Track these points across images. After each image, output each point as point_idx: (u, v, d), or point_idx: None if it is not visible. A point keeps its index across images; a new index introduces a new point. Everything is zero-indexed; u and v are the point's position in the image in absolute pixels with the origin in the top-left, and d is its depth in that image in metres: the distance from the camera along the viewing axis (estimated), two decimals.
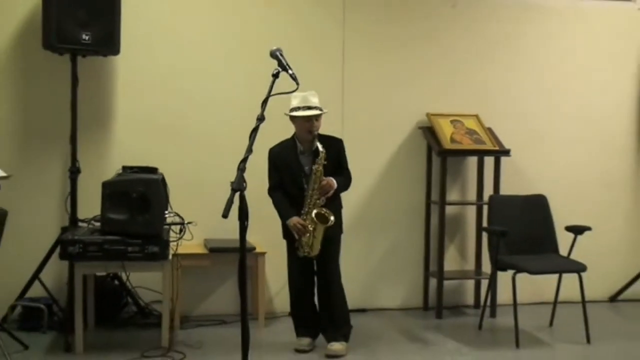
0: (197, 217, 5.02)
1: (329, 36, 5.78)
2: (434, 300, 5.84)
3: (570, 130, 6.27)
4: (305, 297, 4.82)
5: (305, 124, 4.62)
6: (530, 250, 5.30)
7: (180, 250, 4.97)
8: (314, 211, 4.56)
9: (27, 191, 5.22)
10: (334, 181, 4.62)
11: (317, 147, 4.61)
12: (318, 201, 4.58)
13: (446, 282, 5.78)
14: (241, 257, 3.19)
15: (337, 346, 4.70)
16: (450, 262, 5.99)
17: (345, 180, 4.76)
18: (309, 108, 4.60)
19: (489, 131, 5.88)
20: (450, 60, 6.02)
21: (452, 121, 5.85)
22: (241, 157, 3.15)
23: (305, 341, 4.81)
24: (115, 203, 4.54)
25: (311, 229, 4.56)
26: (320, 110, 4.64)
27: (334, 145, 4.73)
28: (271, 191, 4.76)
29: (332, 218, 4.55)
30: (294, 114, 4.62)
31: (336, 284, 4.75)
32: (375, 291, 5.93)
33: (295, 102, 4.61)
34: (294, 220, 4.60)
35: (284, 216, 4.69)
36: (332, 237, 4.71)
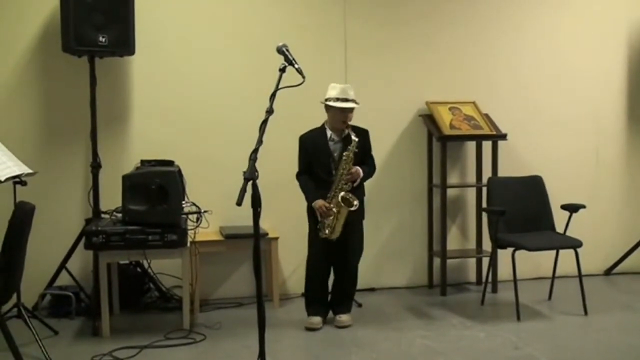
0: (213, 206, 4.99)
1: (332, 31, 5.70)
2: (438, 278, 5.79)
3: (562, 114, 6.17)
4: (321, 277, 4.85)
5: (341, 115, 4.62)
6: (528, 228, 5.25)
7: (198, 238, 4.95)
8: (341, 194, 4.55)
9: (52, 186, 5.19)
10: (361, 170, 4.63)
11: (347, 135, 4.63)
12: (345, 186, 4.59)
13: (449, 261, 5.74)
14: (255, 243, 3.17)
15: (345, 317, 4.82)
16: (453, 242, 5.94)
17: (370, 170, 4.80)
18: (346, 100, 4.59)
19: (486, 117, 5.80)
20: (448, 52, 5.93)
21: (450, 108, 5.77)
22: (252, 148, 3.12)
23: (316, 320, 4.80)
24: (135, 195, 4.53)
25: (335, 212, 4.56)
26: (357, 103, 4.64)
27: (362, 135, 4.70)
28: (299, 175, 4.77)
29: (355, 202, 4.56)
30: (332, 104, 4.60)
31: (355, 267, 4.85)
32: (383, 271, 5.88)
33: (334, 93, 4.61)
34: (319, 202, 4.61)
35: (309, 198, 4.69)
36: (356, 223, 4.76)
